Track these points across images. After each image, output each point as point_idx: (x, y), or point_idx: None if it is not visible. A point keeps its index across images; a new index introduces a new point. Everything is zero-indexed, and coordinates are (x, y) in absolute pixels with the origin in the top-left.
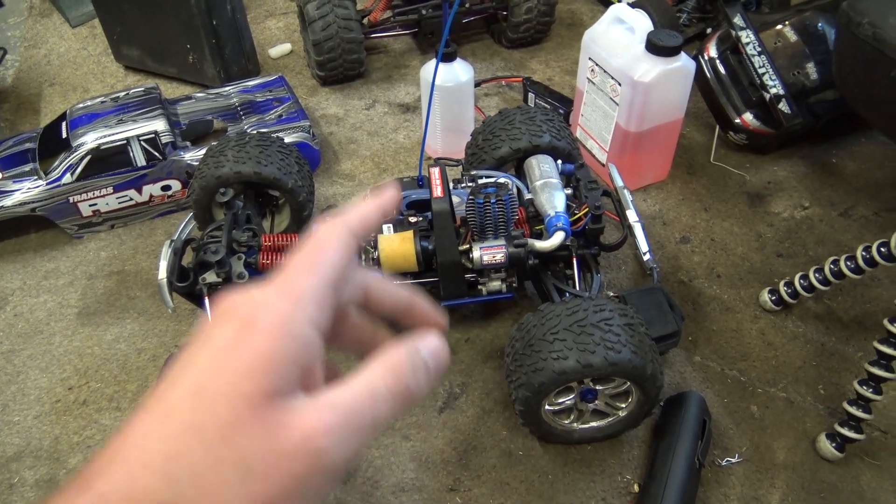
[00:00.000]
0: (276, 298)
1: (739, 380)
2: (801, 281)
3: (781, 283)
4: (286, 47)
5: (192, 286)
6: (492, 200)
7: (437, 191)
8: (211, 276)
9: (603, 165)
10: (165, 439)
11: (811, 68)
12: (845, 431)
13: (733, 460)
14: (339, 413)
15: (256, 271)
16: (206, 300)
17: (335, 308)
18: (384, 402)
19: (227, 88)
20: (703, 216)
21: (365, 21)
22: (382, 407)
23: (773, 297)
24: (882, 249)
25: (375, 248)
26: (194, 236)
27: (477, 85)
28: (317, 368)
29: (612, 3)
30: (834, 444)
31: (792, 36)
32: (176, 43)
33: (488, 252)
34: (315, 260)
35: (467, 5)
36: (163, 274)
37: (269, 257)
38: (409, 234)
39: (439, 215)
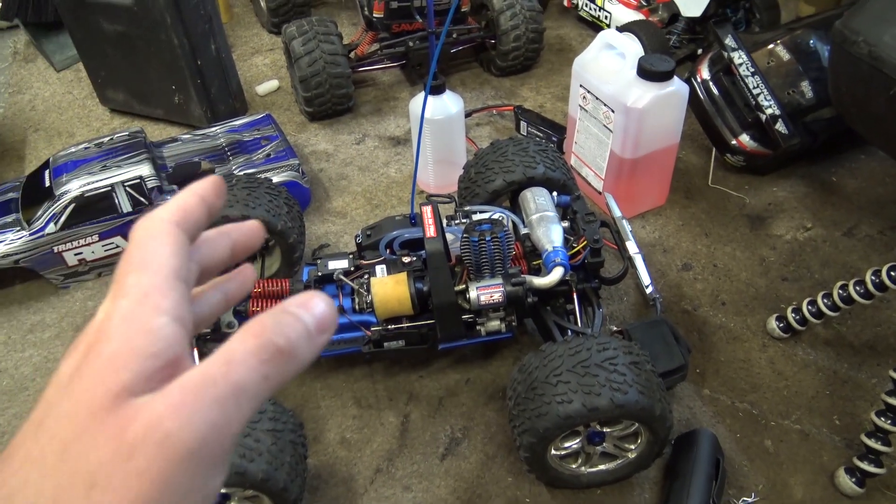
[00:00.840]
0: (116, 304)
1: (751, 413)
2: (810, 307)
3: (789, 310)
4: (273, 84)
5: None
6: (487, 238)
7: (430, 231)
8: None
9: (599, 193)
10: (5, 481)
11: (806, 87)
12: (865, 465)
13: (749, 500)
14: (187, 389)
15: (246, 319)
16: (196, 353)
17: (188, 296)
18: (243, 364)
19: (213, 129)
20: (704, 241)
21: (352, 55)
22: (241, 370)
23: (781, 325)
24: (892, 273)
25: (369, 291)
26: None
27: (468, 115)
28: (183, 357)
29: (602, 28)
30: (853, 480)
31: (785, 55)
32: (161, 84)
33: (485, 292)
34: (142, 257)
35: (454, 35)
36: None
37: (260, 304)
38: (403, 276)
39: (433, 256)
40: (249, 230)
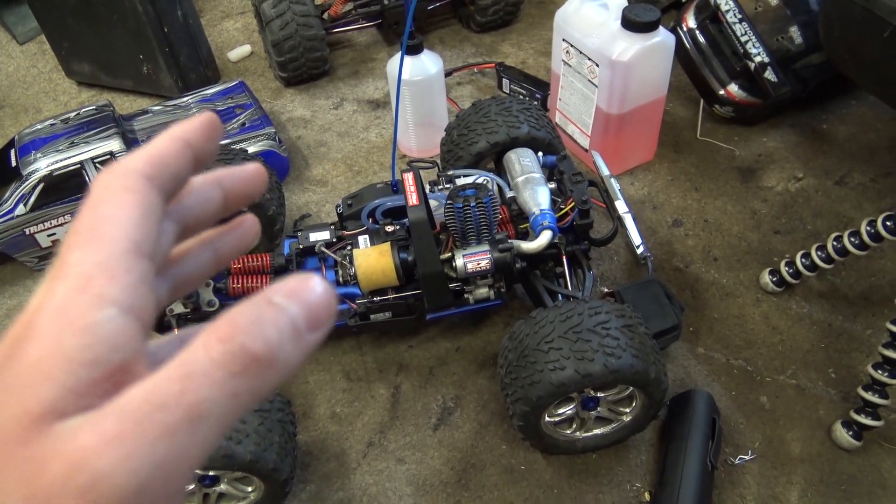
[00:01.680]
0: (52, 290)
1: (746, 370)
2: (803, 259)
3: (782, 263)
4: (246, 49)
5: (159, 319)
6: (471, 204)
7: (412, 198)
8: (178, 307)
9: (586, 151)
10: None
11: (795, 32)
12: (861, 419)
13: (746, 458)
14: (127, 416)
15: (227, 297)
16: (176, 332)
17: (150, 277)
18: (204, 379)
19: (185, 98)
20: (695, 196)
21: (325, 16)
22: (202, 387)
23: (775, 278)
24: (888, 223)
25: (352, 263)
26: None
27: (448, 74)
28: (136, 361)
29: None
30: (850, 433)
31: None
32: (128, 54)
33: (472, 259)
34: (92, 226)
35: None
36: None
37: (240, 281)
38: (387, 246)
39: (416, 225)
40: (246, 176)
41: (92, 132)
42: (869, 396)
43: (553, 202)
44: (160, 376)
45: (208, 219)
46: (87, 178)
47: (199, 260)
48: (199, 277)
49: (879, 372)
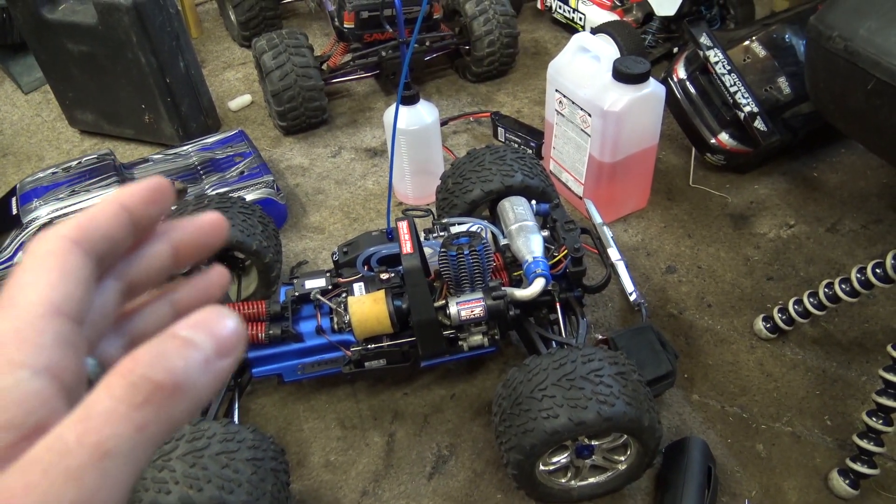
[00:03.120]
0: None
1: (741, 417)
2: (796, 306)
3: (775, 310)
4: (246, 99)
5: None
6: (465, 252)
7: (407, 247)
8: None
9: (580, 198)
10: None
11: (783, 82)
12: (858, 467)
13: None
14: (30, 468)
15: None
16: None
17: (75, 340)
18: (105, 417)
19: (185, 147)
20: (688, 243)
21: (324, 66)
22: (103, 426)
23: (768, 325)
24: (877, 271)
25: (346, 310)
26: None
27: (444, 123)
28: (54, 419)
29: (576, 30)
30: (847, 482)
31: (760, 51)
32: (130, 104)
33: (466, 307)
34: (11, 292)
35: (428, 43)
36: None
37: None
38: (381, 294)
39: (410, 273)
40: (199, 227)
41: (93, 180)
42: (864, 444)
43: (546, 250)
44: (64, 423)
45: (157, 274)
46: None
47: (156, 314)
48: (158, 331)
49: (874, 419)
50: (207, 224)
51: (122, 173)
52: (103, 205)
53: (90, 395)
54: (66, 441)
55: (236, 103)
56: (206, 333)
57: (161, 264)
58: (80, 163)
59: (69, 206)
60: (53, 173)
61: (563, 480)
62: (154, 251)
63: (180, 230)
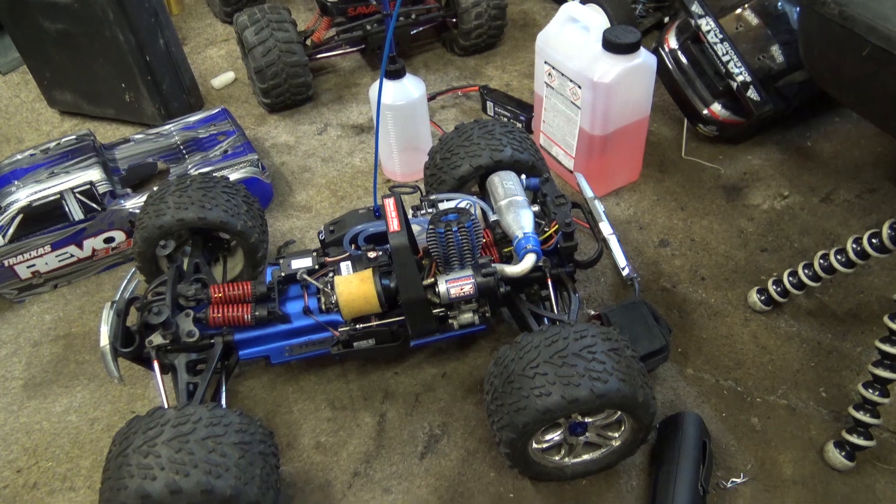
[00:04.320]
0: None
1: (736, 390)
2: (790, 278)
3: (770, 282)
4: (229, 76)
5: (138, 350)
6: (454, 229)
7: (394, 224)
8: (157, 339)
9: (570, 172)
10: None
11: (776, 51)
12: (854, 439)
13: (738, 481)
14: None
15: (207, 326)
16: (156, 364)
17: None
18: None
19: (167, 126)
20: (681, 216)
21: (308, 42)
22: None
23: (763, 297)
24: (874, 241)
25: (333, 290)
26: (139, 294)
27: (432, 98)
28: None
29: (565, 2)
30: (843, 454)
31: (753, 19)
32: (110, 83)
33: (455, 284)
34: None
35: (413, 16)
36: (105, 340)
37: (221, 310)
38: (368, 273)
39: (397, 252)
40: None
41: (72, 162)
42: (860, 416)
43: (537, 225)
44: None
45: None
46: (66, 209)
47: None
48: None
49: (870, 391)
50: None
51: (101, 154)
52: None
53: None
54: None
55: (219, 81)
56: None
57: None
58: (58, 144)
59: (48, 188)
60: (32, 155)
61: (557, 458)
62: None
63: None
